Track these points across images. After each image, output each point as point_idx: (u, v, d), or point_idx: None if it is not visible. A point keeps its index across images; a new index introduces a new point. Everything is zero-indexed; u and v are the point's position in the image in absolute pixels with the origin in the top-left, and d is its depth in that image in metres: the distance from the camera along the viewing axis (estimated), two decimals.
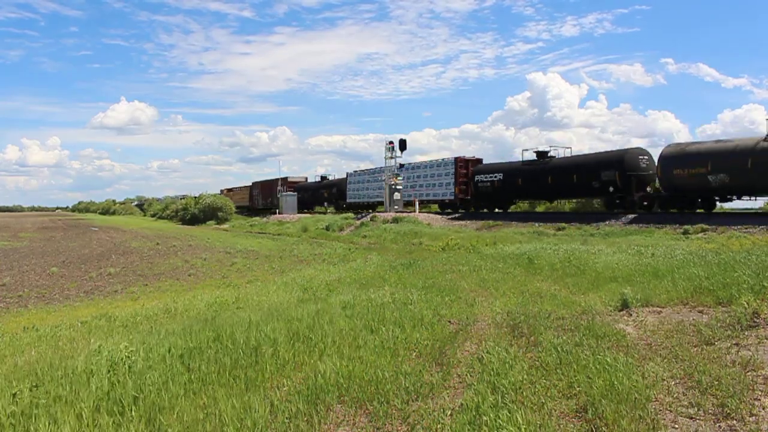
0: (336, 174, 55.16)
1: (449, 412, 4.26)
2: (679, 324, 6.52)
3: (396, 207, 40.75)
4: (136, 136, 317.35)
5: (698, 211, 24.72)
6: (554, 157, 32.27)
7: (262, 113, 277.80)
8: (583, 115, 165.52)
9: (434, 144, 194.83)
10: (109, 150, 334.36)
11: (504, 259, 14.85)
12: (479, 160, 39.10)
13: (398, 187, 41.22)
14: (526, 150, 33.60)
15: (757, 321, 6.06)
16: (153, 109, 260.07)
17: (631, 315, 7.38)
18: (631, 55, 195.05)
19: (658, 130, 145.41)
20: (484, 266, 13.63)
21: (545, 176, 31.19)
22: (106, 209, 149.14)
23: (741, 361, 4.95)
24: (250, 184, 73.77)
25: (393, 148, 41.56)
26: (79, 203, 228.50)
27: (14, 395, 4.86)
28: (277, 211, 58.18)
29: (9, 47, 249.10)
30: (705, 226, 20.32)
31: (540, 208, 37.39)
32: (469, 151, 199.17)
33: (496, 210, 36.34)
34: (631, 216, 25.48)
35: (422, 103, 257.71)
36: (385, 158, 41.87)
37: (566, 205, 37.05)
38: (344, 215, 42.84)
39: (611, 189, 27.74)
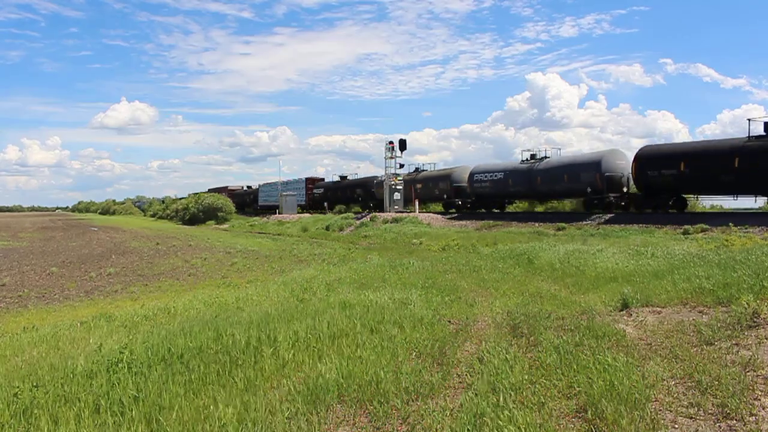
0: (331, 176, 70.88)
1: (449, 412, 4.26)
2: (679, 324, 6.51)
3: (396, 207, 40.76)
4: (137, 136, 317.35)
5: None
6: (347, 178, 55.67)
7: (262, 113, 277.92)
8: (583, 116, 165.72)
9: (434, 144, 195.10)
10: (109, 150, 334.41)
11: (504, 259, 14.86)
12: (322, 179, 61.24)
13: (398, 187, 41.25)
14: (342, 175, 56.39)
15: (757, 321, 6.06)
16: (153, 109, 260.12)
17: (631, 315, 7.38)
18: (629, 56, 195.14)
19: (657, 131, 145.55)
20: (484, 266, 13.64)
21: (349, 190, 53.18)
22: (106, 209, 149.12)
23: (741, 361, 4.95)
24: (206, 190, 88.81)
25: (393, 148, 41.64)
26: (79, 203, 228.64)
27: (15, 395, 4.87)
28: (277, 211, 58.49)
29: (10, 48, 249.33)
30: (705, 226, 20.32)
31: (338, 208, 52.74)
32: (468, 151, 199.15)
33: (325, 210, 53.59)
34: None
35: (421, 104, 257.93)
36: (385, 158, 41.98)
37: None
38: (344, 215, 42.87)
39: (368, 200, 48.58)
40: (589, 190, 29.28)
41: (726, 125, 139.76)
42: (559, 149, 34.08)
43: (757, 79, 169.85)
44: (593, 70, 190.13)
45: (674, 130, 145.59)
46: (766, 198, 25.57)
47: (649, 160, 26.06)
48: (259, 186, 72.47)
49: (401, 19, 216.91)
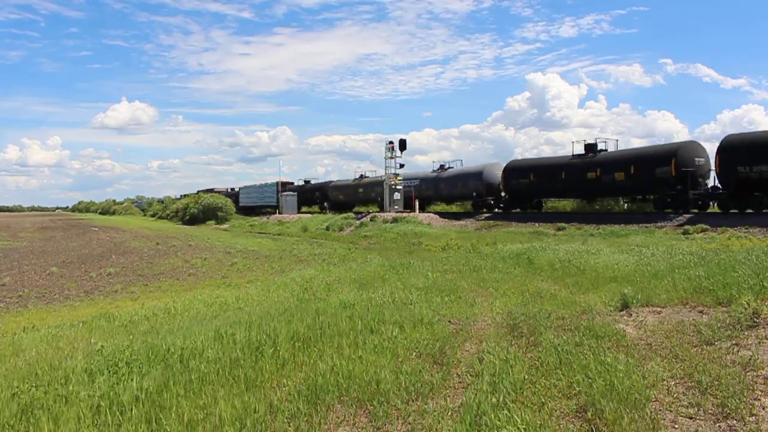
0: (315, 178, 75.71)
1: (449, 412, 4.26)
2: (679, 324, 6.52)
3: (396, 207, 40.76)
4: (137, 136, 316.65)
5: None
6: (310, 182, 65.62)
7: (262, 113, 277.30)
8: (583, 115, 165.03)
9: (434, 144, 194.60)
10: (109, 150, 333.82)
11: (504, 259, 14.86)
12: (291, 183, 68.02)
13: (398, 187, 41.23)
14: (306, 179, 66.80)
15: (757, 321, 6.06)
16: (153, 109, 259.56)
17: (631, 315, 7.38)
18: (629, 56, 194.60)
19: (657, 131, 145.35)
20: (484, 266, 13.63)
21: (310, 193, 61.62)
22: (106, 209, 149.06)
23: (741, 361, 4.95)
24: (196, 192, 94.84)
25: (393, 148, 41.61)
26: (79, 203, 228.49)
27: (14, 395, 4.87)
28: (277, 211, 58.60)
29: (10, 48, 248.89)
30: (705, 226, 20.33)
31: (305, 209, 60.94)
32: (468, 151, 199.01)
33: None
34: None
35: (421, 104, 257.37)
36: (385, 158, 41.93)
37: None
38: (344, 215, 42.85)
39: (324, 201, 57.48)
40: (474, 194, 37.89)
41: (726, 125, 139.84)
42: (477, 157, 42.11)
43: (757, 80, 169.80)
44: (593, 70, 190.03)
45: (674, 130, 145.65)
46: (584, 200, 32.65)
47: (512, 171, 34.22)
48: (239, 188, 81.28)
49: (401, 19, 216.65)
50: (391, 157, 41.63)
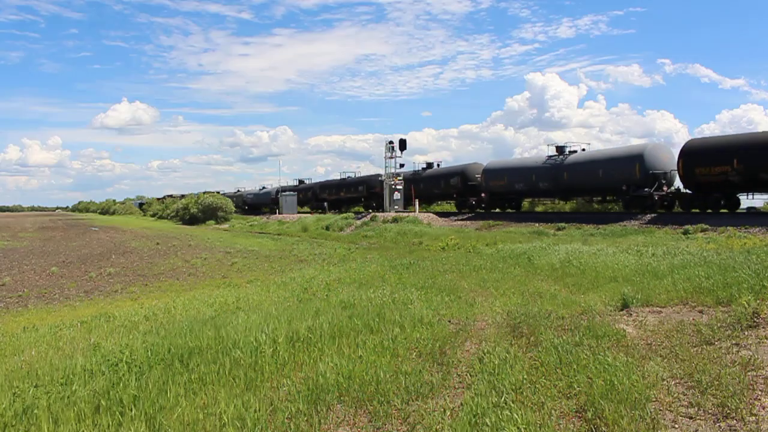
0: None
1: (449, 412, 4.26)
2: (679, 324, 6.51)
3: (396, 207, 40.75)
4: (137, 136, 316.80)
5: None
6: (219, 193, 74.14)
7: (262, 113, 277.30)
8: (582, 115, 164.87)
9: (434, 144, 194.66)
10: (109, 150, 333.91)
11: (504, 259, 14.85)
12: (215, 192, 75.39)
13: (398, 187, 41.22)
14: (217, 190, 78.43)
15: (757, 321, 6.06)
16: (154, 110, 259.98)
17: (631, 315, 7.38)
18: (627, 56, 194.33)
19: (656, 130, 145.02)
20: (484, 266, 13.63)
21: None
22: (106, 209, 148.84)
23: (741, 361, 4.95)
24: (163, 195, 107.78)
25: (393, 148, 41.62)
26: (79, 203, 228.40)
27: (14, 395, 4.87)
28: (277, 211, 58.71)
29: (10, 48, 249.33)
30: (705, 226, 20.31)
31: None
32: (468, 151, 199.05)
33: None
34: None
35: (420, 104, 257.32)
36: (385, 158, 41.95)
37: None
38: (344, 215, 42.85)
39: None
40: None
41: (725, 125, 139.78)
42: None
43: (756, 80, 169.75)
44: (591, 70, 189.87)
45: (673, 130, 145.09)
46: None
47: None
48: (183, 195, 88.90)
49: (399, 20, 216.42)
50: (391, 157, 41.65)
